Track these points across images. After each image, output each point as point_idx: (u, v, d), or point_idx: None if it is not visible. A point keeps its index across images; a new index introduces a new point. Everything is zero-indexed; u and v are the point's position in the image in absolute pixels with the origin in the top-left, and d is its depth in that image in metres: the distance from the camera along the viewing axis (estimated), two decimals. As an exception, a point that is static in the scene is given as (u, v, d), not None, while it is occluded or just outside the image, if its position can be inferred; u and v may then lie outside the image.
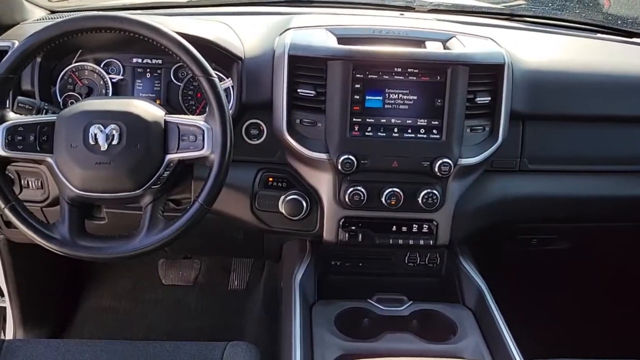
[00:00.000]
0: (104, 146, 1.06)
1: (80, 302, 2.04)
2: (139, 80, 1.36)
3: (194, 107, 1.36)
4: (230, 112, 1.12)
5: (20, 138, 1.07)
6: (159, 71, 1.35)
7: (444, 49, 1.31)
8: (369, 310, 1.30)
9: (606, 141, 1.42)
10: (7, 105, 1.11)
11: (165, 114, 1.12)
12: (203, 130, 1.09)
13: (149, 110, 1.11)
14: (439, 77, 1.24)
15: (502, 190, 1.38)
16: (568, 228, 1.59)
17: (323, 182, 1.31)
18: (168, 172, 1.11)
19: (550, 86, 1.37)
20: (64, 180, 1.09)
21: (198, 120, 1.11)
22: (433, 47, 1.31)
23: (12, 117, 1.10)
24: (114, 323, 1.99)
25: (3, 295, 1.75)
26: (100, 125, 1.07)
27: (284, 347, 1.19)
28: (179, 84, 1.36)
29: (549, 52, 1.50)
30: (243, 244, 1.66)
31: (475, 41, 1.34)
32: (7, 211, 1.08)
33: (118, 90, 1.36)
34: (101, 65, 1.35)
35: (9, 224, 1.45)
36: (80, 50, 1.34)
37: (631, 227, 1.60)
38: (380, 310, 1.30)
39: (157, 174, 1.09)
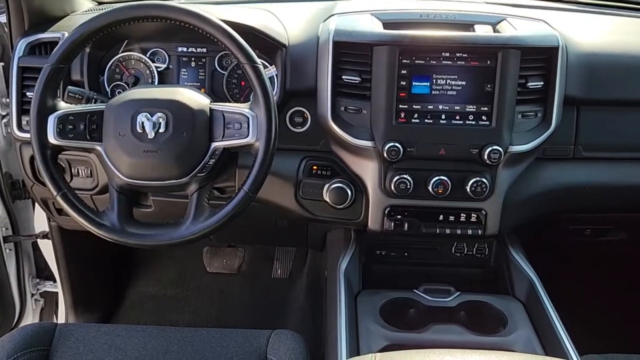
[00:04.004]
0: (151, 134, 1.07)
1: (127, 288, 2.09)
2: (184, 69, 1.36)
3: (238, 96, 1.36)
4: (275, 99, 1.11)
5: (71, 127, 1.09)
6: (203, 60, 1.36)
7: (494, 32, 1.27)
8: (415, 301, 1.28)
9: None
10: (58, 95, 1.13)
11: (211, 102, 1.13)
12: (248, 118, 1.08)
13: (195, 99, 1.11)
14: (489, 62, 1.21)
15: (554, 178, 1.33)
16: (624, 218, 1.53)
17: (368, 170, 1.29)
18: (214, 160, 1.11)
19: (607, 70, 1.31)
20: (113, 168, 1.10)
21: (243, 108, 1.10)
22: (482, 31, 1.27)
23: (63, 106, 1.12)
24: (159, 310, 2.03)
25: (55, 281, 1.81)
26: (147, 114, 1.08)
27: (330, 337, 1.19)
28: (223, 72, 1.36)
29: (605, 34, 1.43)
30: (287, 233, 1.66)
31: (527, 24, 1.29)
32: (59, 198, 1.10)
33: (163, 79, 1.37)
34: (147, 55, 1.36)
35: (60, 211, 1.49)
36: (126, 40, 1.36)
37: None
38: (426, 301, 1.27)
39: (203, 162, 1.10)
